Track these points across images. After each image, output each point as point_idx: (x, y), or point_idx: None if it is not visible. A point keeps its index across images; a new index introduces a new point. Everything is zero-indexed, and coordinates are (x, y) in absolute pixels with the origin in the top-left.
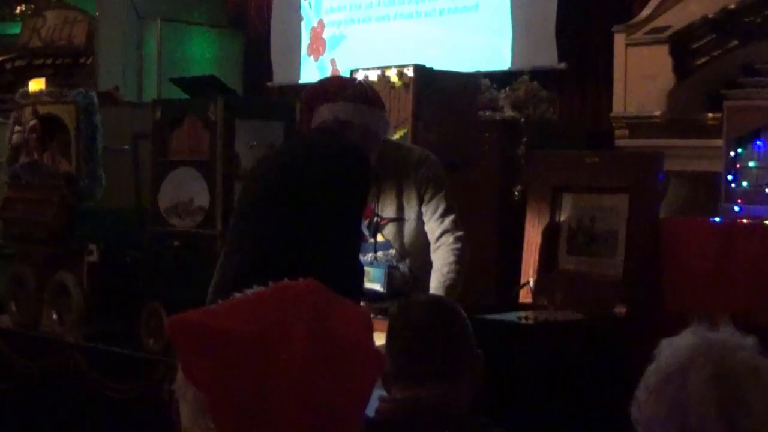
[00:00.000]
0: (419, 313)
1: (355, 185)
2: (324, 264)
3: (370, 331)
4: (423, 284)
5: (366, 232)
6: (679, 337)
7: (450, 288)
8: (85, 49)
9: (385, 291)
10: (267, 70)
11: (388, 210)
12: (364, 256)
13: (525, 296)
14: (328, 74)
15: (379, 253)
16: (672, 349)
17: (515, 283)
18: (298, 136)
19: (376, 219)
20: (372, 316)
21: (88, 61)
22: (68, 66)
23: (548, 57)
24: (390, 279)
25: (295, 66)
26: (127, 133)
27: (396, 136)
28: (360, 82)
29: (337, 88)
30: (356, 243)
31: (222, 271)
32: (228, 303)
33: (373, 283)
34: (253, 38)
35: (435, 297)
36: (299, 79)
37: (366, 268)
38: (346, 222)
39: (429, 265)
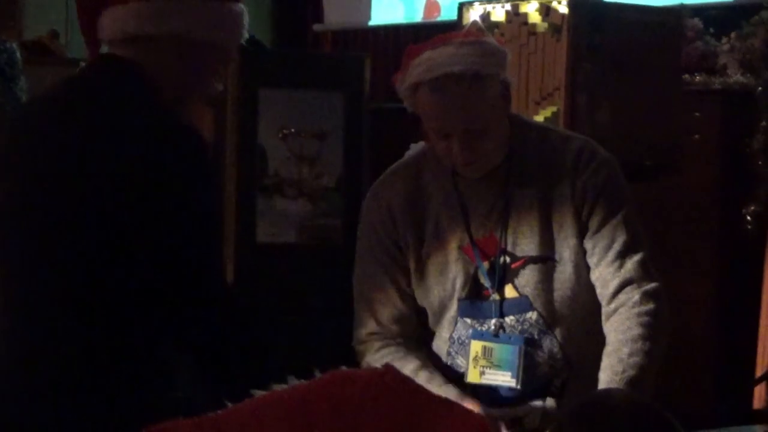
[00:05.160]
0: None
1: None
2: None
3: None
4: (585, 374)
5: (486, 281)
6: None
7: (637, 381)
8: None
9: (518, 386)
10: (314, 7)
11: (524, 243)
12: (481, 324)
13: (764, 397)
14: (420, 11)
15: (509, 319)
16: None
17: (748, 374)
18: (63, 89)
19: (503, 258)
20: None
21: None
22: None
23: None
24: (528, 365)
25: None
26: None
27: (540, 117)
28: None
29: None
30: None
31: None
32: (241, 409)
33: (498, 372)
34: None
35: (634, 401)
36: (368, 18)
37: (486, 344)
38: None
39: (597, 339)
